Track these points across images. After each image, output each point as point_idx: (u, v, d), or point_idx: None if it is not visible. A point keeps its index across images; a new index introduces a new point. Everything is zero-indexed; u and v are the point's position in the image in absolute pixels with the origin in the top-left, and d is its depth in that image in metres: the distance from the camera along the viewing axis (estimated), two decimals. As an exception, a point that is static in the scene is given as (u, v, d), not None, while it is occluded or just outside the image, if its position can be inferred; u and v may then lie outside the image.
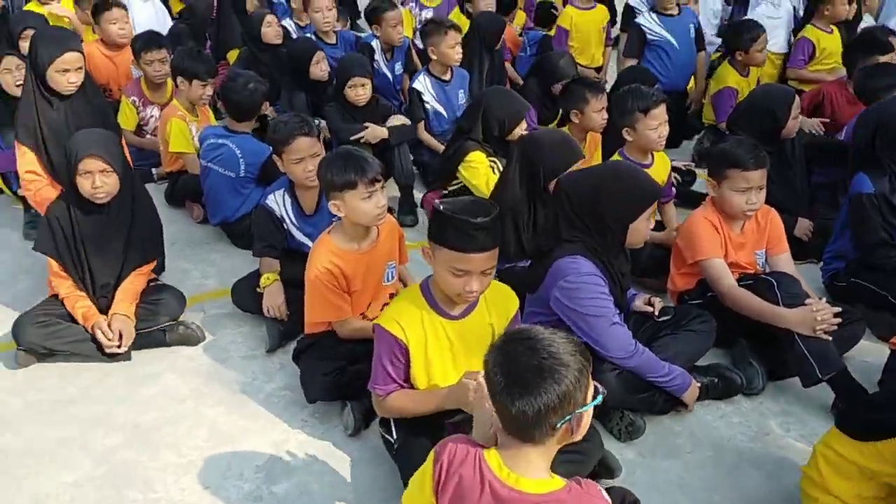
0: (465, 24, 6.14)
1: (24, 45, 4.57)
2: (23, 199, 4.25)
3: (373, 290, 2.91)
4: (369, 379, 2.43)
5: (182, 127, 4.34)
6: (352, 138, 4.30)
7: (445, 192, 4.04)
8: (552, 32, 7.18)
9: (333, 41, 5.83)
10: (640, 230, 2.59)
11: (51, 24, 6.12)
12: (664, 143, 3.68)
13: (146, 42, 4.86)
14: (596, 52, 6.05)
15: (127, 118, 4.94)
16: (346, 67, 4.58)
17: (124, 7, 5.58)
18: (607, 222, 2.56)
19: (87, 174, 3.00)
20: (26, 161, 3.61)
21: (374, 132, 4.38)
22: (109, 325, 3.03)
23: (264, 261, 3.40)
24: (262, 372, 3.09)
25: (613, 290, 2.61)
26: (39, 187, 3.62)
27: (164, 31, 6.66)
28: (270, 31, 5.53)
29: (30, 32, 4.84)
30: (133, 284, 3.19)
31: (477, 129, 3.94)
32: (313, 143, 3.26)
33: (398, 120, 4.49)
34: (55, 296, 3.19)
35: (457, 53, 4.75)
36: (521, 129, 3.91)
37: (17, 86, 4.24)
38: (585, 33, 5.93)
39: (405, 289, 2.67)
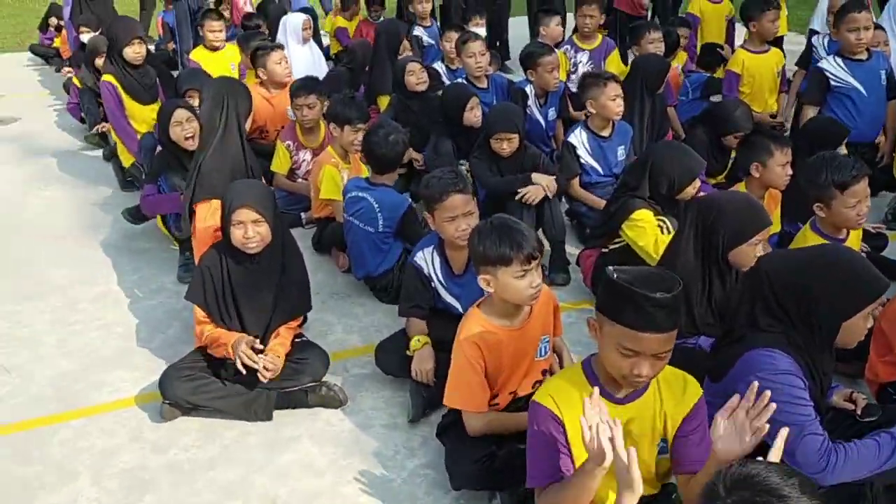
0: (621, 68, 5.87)
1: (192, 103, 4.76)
2: (179, 241, 4.34)
3: (525, 367, 2.65)
4: (522, 466, 2.16)
5: (334, 174, 4.29)
6: (517, 198, 4.11)
7: (605, 250, 3.74)
8: (717, 74, 6.75)
9: (485, 86, 5.68)
10: (857, 329, 2.18)
11: (214, 70, 6.45)
12: (864, 221, 3.20)
13: (299, 86, 4.94)
14: (770, 98, 5.57)
15: (281, 162, 4.98)
16: (494, 121, 4.36)
17: (282, 47, 5.70)
18: (817, 317, 2.17)
19: (239, 224, 2.96)
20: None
21: (537, 193, 4.14)
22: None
23: (412, 322, 3.22)
24: (405, 445, 2.89)
25: (813, 391, 2.22)
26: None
27: (321, 74, 6.83)
28: (413, 78, 5.45)
29: (195, 93, 5.01)
30: (283, 338, 3.11)
31: (644, 187, 3.62)
32: (467, 201, 3.06)
33: (544, 179, 4.21)
34: (201, 348, 3.15)
35: (618, 106, 4.43)
36: (693, 188, 3.56)
37: (187, 138, 4.33)
38: (758, 78, 5.46)
39: (564, 368, 2.38)
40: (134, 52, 5.30)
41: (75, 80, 6.98)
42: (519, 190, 4.14)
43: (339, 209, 4.30)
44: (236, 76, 6.77)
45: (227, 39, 7.20)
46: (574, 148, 4.52)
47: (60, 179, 5.83)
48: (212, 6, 8.10)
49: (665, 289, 1.91)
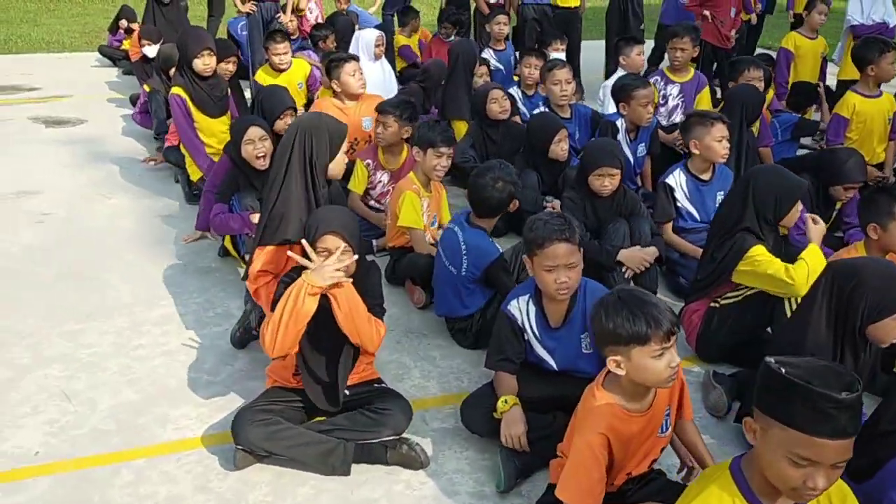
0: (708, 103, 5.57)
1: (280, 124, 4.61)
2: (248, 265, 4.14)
3: (647, 447, 2.37)
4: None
5: (414, 201, 4.06)
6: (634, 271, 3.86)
7: (716, 304, 3.43)
8: (808, 115, 6.43)
9: (568, 115, 5.44)
10: None
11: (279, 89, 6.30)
12: None
13: (384, 103, 4.82)
14: (878, 146, 5.22)
15: (358, 181, 4.79)
16: (597, 155, 4.09)
17: (357, 59, 5.52)
18: None
19: (324, 251, 2.74)
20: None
21: (643, 259, 3.88)
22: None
23: (500, 378, 2.95)
24: (494, 519, 2.62)
25: None
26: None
27: (392, 92, 6.67)
28: (496, 106, 5.28)
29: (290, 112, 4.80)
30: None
31: (748, 216, 3.32)
32: (572, 252, 2.79)
33: (636, 258, 3.91)
34: (276, 387, 2.94)
35: (723, 149, 4.12)
36: (795, 213, 3.30)
37: (258, 157, 4.18)
38: (869, 124, 5.12)
39: (705, 471, 2.09)
40: (203, 63, 5.15)
41: (145, 86, 6.90)
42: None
43: (418, 239, 4.08)
44: (303, 96, 6.66)
45: (295, 52, 7.09)
46: (671, 190, 4.23)
47: (125, 187, 5.70)
48: (281, 22, 7.96)
49: (846, 386, 1.64)
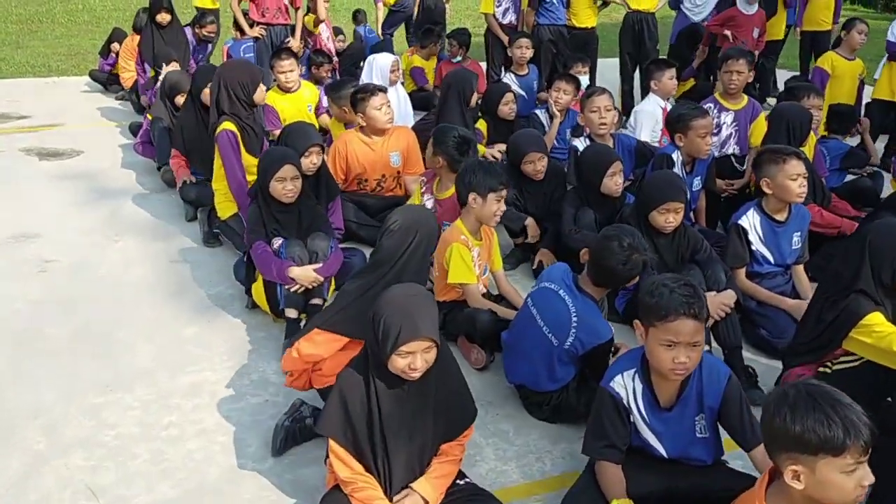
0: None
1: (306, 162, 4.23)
2: (287, 321, 3.75)
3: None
4: None
5: (464, 254, 3.65)
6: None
7: (826, 370, 3.06)
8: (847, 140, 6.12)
9: (610, 146, 5.07)
10: None
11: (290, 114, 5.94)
12: None
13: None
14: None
15: (415, 202, 4.47)
16: (660, 190, 3.77)
17: (385, 91, 5.13)
18: None
19: (408, 354, 2.34)
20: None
21: (721, 305, 3.52)
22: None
23: (606, 471, 2.55)
24: None
25: None
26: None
27: (407, 117, 6.37)
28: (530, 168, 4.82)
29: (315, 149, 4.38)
30: (445, 466, 2.54)
31: (864, 277, 2.96)
32: (698, 330, 2.41)
33: (715, 304, 3.53)
34: (336, 487, 2.52)
35: (800, 187, 3.75)
36: None
37: (286, 194, 3.90)
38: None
39: None
40: (260, 98, 4.78)
41: (147, 115, 6.47)
42: None
43: (472, 295, 3.68)
44: (313, 119, 6.28)
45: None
46: (745, 232, 3.87)
47: (133, 227, 5.25)
48: (292, 43, 7.56)
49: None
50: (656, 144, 5.60)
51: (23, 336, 3.85)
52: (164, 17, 7.55)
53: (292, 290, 3.71)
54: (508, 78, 7.12)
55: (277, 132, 6.24)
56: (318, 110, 6.58)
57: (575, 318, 3.05)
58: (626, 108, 8.16)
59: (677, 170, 4.60)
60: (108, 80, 9.33)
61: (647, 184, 3.89)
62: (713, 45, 7.82)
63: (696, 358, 2.43)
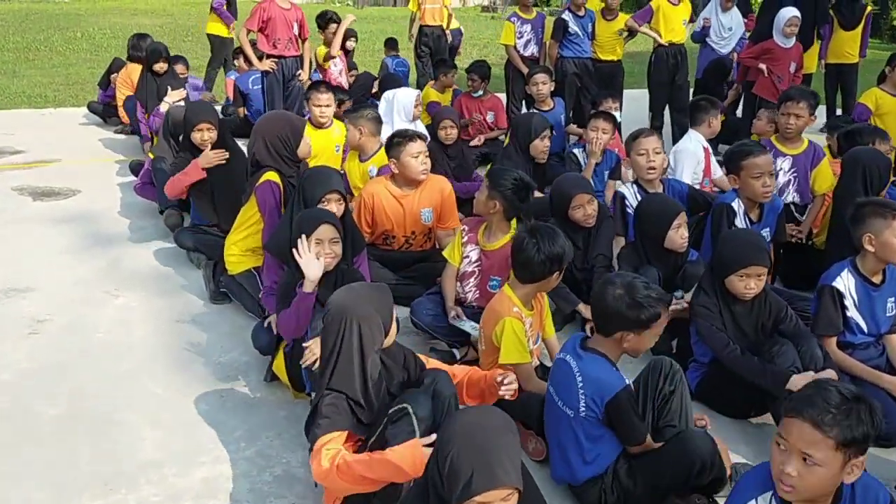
0: (831, 181, 4.79)
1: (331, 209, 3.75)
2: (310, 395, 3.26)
3: None
4: None
5: (518, 329, 3.15)
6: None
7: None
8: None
9: (659, 191, 4.63)
10: None
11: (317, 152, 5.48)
12: None
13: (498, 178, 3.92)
14: None
15: (455, 250, 3.97)
16: (743, 250, 3.31)
17: (425, 139, 4.67)
18: None
19: None
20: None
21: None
22: None
23: None
24: None
25: None
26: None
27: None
28: (580, 213, 4.31)
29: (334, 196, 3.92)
30: None
31: None
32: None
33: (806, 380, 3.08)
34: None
35: (907, 247, 3.32)
36: None
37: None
38: None
39: None
40: (305, 152, 4.35)
41: (149, 154, 6.03)
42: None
43: (527, 377, 3.18)
44: (338, 161, 5.83)
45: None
46: (840, 296, 3.41)
47: (133, 280, 4.78)
48: (301, 81, 7.13)
49: None
50: (697, 187, 5.18)
51: (8, 416, 3.36)
52: (161, 67, 7.11)
53: (304, 363, 3.16)
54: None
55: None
56: (345, 151, 6.14)
57: (580, 378, 2.68)
58: (658, 146, 7.77)
59: (740, 221, 4.16)
60: (105, 112, 8.91)
61: (724, 244, 3.44)
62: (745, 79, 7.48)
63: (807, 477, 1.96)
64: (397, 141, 4.49)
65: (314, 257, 3.24)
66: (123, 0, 24.87)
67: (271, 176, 4.15)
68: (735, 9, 8.28)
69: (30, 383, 3.61)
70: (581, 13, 7.51)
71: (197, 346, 3.99)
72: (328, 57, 8.00)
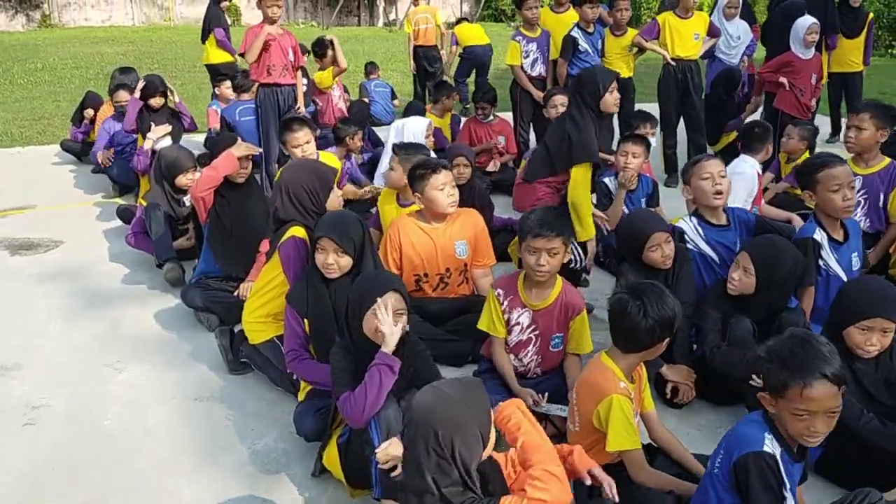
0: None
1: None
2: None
3: None
4: None
5: (627, 408, 2.66)
6: None
7: None
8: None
9: (724, 222, 4.20)
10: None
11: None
12: None
13: (546, 220, 3.43)
14: None
15: (495, 320, 3.48)
16: (868, 302, 2.91)
17: (449, 168, 4.22)
18: None
19: None
20: None
21: None
22: None
23: None
24: None
25: None
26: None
27: None
28: (657, 255, 3.89)
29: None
30: None
31: None
32: None
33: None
34: None
35: None
36: None
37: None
38: None
39: None
40: (335, 204, 3.82)
41: (141, 200, 5.47)
42: None
43: (640, 464, 2.71)
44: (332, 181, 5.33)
45: (321, 147, 5.82)
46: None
47: (137, 349, 4.22)
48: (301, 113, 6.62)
49: None
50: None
51: (11, 541, 2.80)
52: (158, 102, 6.55)
53: (382, 466, 2.66)
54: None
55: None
56: (339, 184, 5.66)
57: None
58: (670, 166, 7.39)
59: (827, 254, 3.75)
60: (83, 150, 8.29)
61: (846, 291, 3.03)
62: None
63: None
64: (420, 173, 4.06)
65: (393, 322, 2.74)
66: (81, 28, 24.12)
67: (297, 232, 3.64)
68: (739, 18, 7.98)
69: (33, 490, 3.05)
70: (590, 30, 7.11)
71: (224, 432, 3.45)
72: (338, 73, 7.43)
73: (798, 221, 4.68)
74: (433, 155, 5.94)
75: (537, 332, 3.44)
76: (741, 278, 3.38)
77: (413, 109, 7.63)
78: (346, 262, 3.28)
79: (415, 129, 5.81)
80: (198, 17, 31.22)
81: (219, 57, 9.17)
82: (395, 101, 10.18)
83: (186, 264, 5.04)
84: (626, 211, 5.20)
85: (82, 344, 4.29)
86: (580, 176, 4.39)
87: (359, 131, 6.34)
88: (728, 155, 7.85)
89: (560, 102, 6.22)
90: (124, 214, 6.00)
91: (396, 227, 4.14)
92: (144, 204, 5.33)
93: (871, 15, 8.36)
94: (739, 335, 3.32)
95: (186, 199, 5.43)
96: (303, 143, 5.30)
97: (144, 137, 6.06)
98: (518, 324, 3.46)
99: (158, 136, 5.97)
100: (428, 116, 7.92)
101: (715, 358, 3.35)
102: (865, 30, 8.62)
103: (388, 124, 8.88)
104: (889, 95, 7.28)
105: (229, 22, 10.08)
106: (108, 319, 4.58)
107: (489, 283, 4.23)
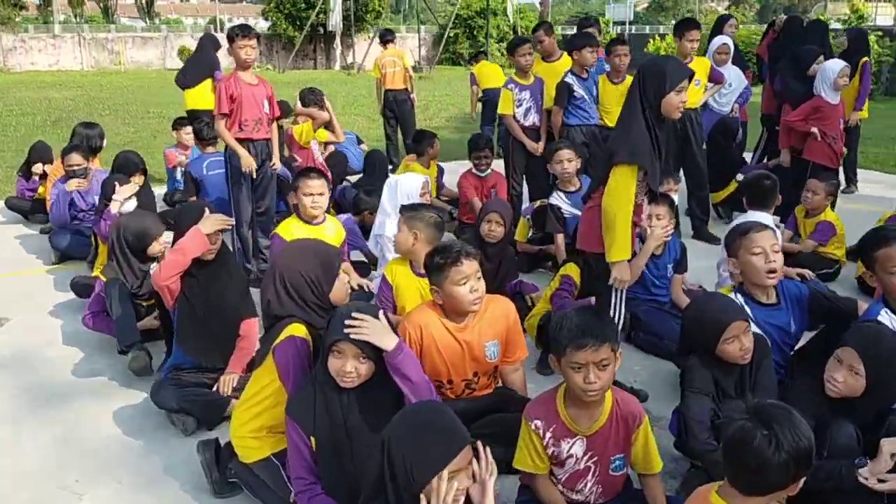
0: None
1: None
2: None
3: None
4: None
5: None
6: None
7: None
8: None
9: (774, 300, 3.73)
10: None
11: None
12: None
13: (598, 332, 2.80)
14: None
15: (535, 451, 2.86)
16: None
17: (475, 256, 3.61)
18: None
19: None
20: None
21: None
22: None
23: None
24: None
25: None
26: None
27: None
28: (734, 348, 3.46)
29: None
30: None
31: None
32: None
33: None
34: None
35: None
36: None
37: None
38: None
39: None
40: (340, 296, 3.20)
41: (100, 275, 4.78)
42: None
43: None
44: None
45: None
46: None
47: (100, 464, 3.51)
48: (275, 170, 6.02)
49: None
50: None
51: None
52: (138, 181, 5.89)
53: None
54: (557, 198, 5.76)
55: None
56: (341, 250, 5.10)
57: None
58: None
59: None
60: (33, 208, 7.54)
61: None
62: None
63: None
64: (438, 262, 3.35)
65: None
66: (28, 73, 23.22)
67: (296, 331, 3.01)
68: (731, 63, 7.68)
69: None
70: (584, 76, 6.68)
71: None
72: (319, 125, 6.80)
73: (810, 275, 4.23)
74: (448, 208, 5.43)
75: (595, 460, 2.85)
76: (846, 379, 2.85)
77: (374, 158, 7.22)
78: (369, 369, 2.70)
79: (409, 187, 5.26)
80: (148, 60, 30.73)
81: (209, 103, 8.51)
82: (363, 146, 9.71)
83: (153, 346, 4.37)
84: (651, 276, 4.72)
85: (33, 457, 3.57)
86: (620, 179, 3.60)
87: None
88: (727, 207, 7.53)
89: (566, 157, 5.76)
90: (79, 288, 5.30)
91: (418, 325, 3.40)
92: (104, 279, 4.65)
93: (865, 58, 8.09)
94: (843, 444, 2.78)
95: (152, 269, 4.79)
96: (316, 193, 4.88)
97: (109, 200, 5.36)
98: (571, 456, 2.84)
99: (125, 197, 5.31)
100: (412, 169, 7.44)
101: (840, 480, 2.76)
102: (858, 73, 8.37)
103: (359, 172, 8.36)
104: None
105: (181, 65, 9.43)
106: (63, 422, 3.87)
107: (520, 378, 3.68)
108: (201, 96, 8.52)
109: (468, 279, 3.31)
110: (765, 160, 8.05)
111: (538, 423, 2.83)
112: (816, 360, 3.67)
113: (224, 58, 8.11)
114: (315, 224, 4.97)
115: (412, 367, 2.76)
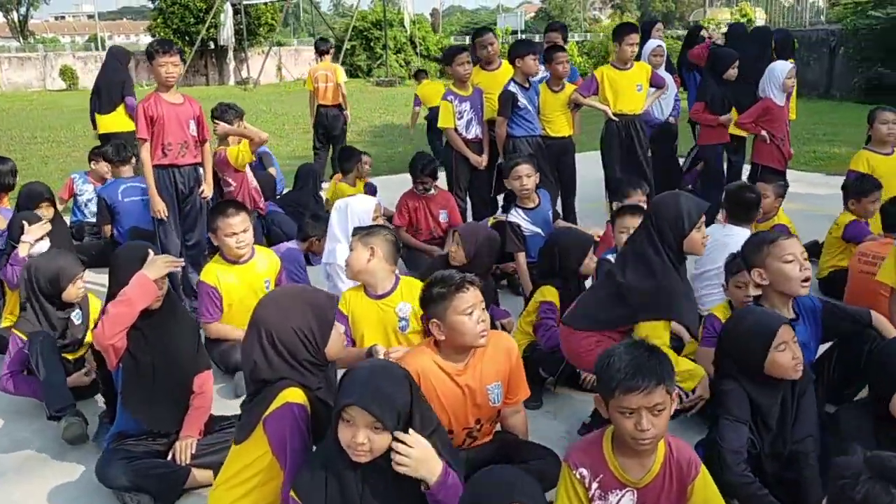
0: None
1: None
2: None
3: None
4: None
5: None
6: None
7: None
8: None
9: (793, 315, 3.51)
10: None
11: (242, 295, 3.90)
12: None
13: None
14: None
15: None
16: None
17: (477, 284, 3.22)
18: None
19: None
20: None
21: None
22: None
23: None
24: None
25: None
26: None
27: None
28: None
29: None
30: None
31: None
32: None
33: None
34: None
35: None
36: None
37: None
38: None
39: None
40: (336, 350, 2.75)
41: (16, 332, 4.11)
42: None
43: None
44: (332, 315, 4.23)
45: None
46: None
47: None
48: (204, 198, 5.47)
49: None
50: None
51: None
52: (47, 213, 5.19)
53: None
54: (516, 215, 5.42)
55: (215, 327, 4.29)
56: (278, 282, 4.62)
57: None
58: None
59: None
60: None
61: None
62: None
63: None
64: (438, 293, 2.97)
65: None
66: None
67: (293, 396, 2.55)
68: (664, 69, 7.62)
69: None
70: (527, 85, 6.43)
71: None
72: (257, 146, 6.15)
73: None
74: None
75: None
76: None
77: (305, 171, 7.29)
78: (384, 441, 2.29)
79: (359, 210, 4.81)
80: (27, 81, 28.81)
81: (126, 125, 7.72)
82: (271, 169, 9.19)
83: (84, 406, 3.80)
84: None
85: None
86: (652, 333, 3.27)
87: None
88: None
89: (525, 173, 5.41)
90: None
91: (416, 373, 2.87)
92: (18, 333, 4.02)
93: (793, 60, 8.18)
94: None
95: (76, 317, 4.21)
96: (239, 231, 4.36)
97: (16, 242, 4.69)
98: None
99: (36, 238, 4.65)
100: (340, 189, 7.04)
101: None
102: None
103: (282, 193, 7.86)
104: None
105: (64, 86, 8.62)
106: (-9, 509, 3.26)
107: (521, 420, 3.31)
108: (114, 119, 7.81)
109: (474, 308, 2.94)
110: (697, 166, 8.02)
111: (584, 471, 2.49)
112: (830, 376, 3.51)
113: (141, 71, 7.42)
114: (243, 263, 4.46)
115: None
